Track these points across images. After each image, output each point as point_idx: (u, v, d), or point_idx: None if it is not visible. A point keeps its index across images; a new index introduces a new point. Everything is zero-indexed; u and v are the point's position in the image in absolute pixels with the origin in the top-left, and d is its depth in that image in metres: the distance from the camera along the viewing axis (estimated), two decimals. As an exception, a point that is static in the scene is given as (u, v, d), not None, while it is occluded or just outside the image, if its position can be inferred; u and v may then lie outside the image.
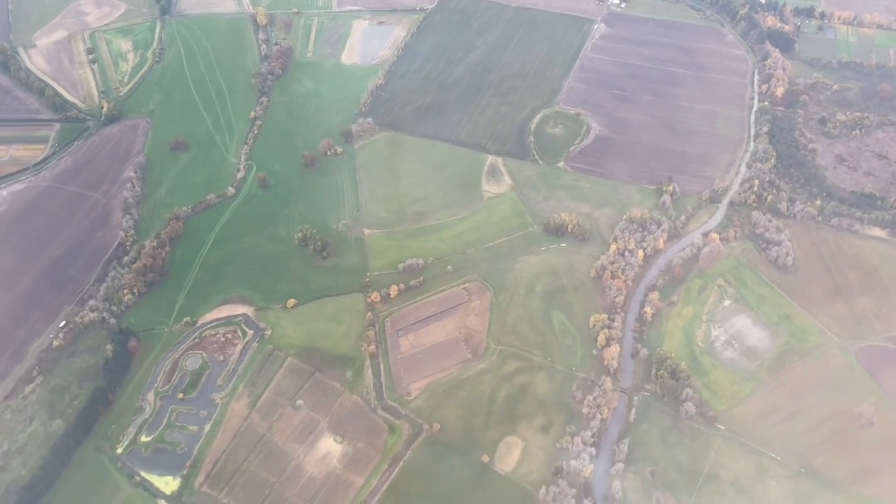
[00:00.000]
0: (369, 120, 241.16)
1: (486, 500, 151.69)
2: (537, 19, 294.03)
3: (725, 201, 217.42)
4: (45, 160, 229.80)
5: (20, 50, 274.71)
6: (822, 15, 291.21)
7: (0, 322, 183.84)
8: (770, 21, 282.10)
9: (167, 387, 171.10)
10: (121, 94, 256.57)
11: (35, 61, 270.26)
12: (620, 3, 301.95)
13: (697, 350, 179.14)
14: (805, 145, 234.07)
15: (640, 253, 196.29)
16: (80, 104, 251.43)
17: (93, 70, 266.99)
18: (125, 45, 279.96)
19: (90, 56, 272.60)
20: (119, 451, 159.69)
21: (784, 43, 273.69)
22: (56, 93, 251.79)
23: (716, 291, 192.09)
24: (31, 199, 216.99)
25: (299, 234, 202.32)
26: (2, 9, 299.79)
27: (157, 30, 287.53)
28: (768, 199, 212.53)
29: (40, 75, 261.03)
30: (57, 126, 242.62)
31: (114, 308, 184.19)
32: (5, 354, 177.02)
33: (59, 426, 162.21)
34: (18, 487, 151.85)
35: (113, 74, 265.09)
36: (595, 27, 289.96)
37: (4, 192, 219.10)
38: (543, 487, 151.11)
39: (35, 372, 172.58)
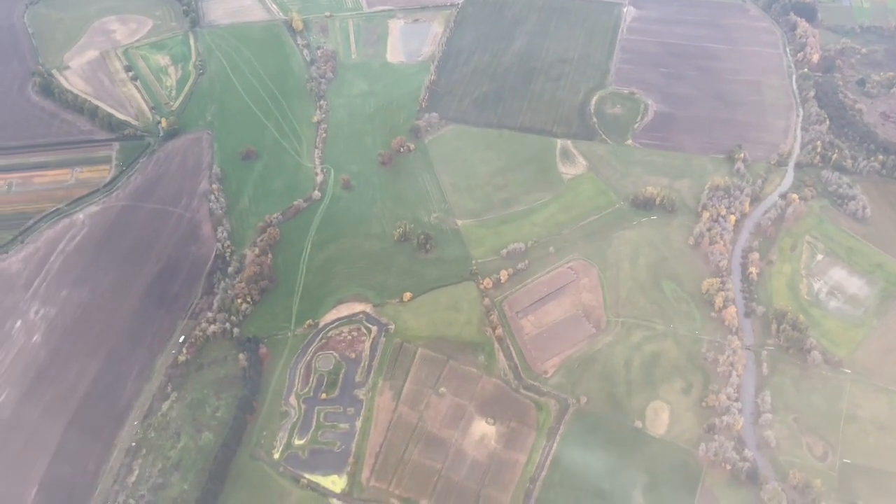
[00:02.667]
0: (434, 115, 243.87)
1: (649, 462, 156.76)
2: (567, 6, 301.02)
3: (791, 164, 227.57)
4: (114, 180, 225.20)
5: (54, 72, 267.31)
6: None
7: (118, 343, 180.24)
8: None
9: (307, 389, 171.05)
10: (173, 108, 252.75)
11: (73, 83, 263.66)
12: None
13: (805, 303, 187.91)
14: (851, 106, 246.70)
15: (732, 218, 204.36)
16: (133, 122, 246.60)
17: (136, 87, 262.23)
18: (163, 59, 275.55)
19: (130, 73, 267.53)
20: (276, 456, 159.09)
21: (808, 13, 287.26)
22: (108, 112, 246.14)
23: (807, 248, 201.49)
24: (112, 220, 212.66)
25: (399, 230, 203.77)
26: (21, 33, 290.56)
27: (192, 42, 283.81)
28: (833, 158, 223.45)
29: (85, 96, 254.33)
30: (116, 145, 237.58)
31: (232, 318, 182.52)
32: (132, 375, 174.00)
33: (209, 438, 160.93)
34: (186, 502, 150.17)
35: (159, 90, 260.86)
36: (625, 10, 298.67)
37: (81, 216, 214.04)
38: (703, 444, 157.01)
39: (168, 388, 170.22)
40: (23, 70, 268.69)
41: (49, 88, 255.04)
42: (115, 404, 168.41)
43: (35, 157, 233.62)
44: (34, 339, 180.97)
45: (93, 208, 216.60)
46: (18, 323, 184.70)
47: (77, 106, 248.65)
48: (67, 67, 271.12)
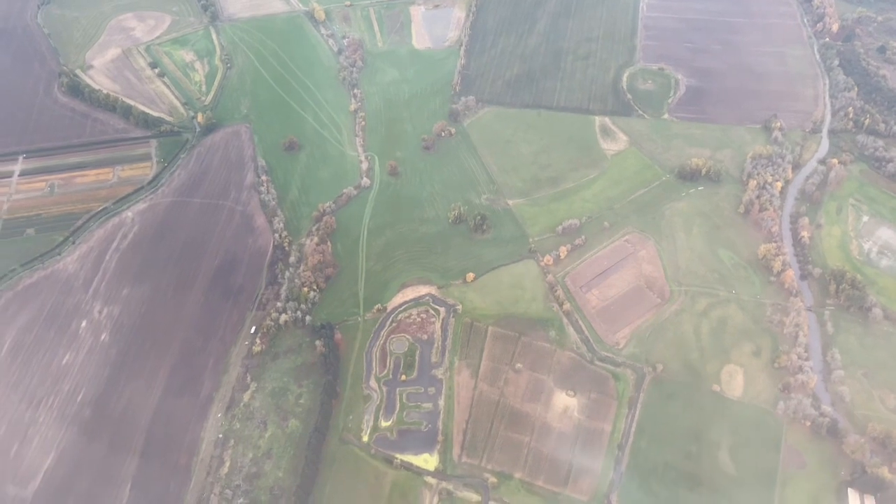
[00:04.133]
0: (471, 98, 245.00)
1: (730, 423, 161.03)
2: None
3: (825, 130, 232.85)
4: (157, 177, 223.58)
5: (79, 72, 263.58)
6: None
7: (189, 338, 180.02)
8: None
9: (385, 372, 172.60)
10: (205, 103, 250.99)
11: (100, 82, 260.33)
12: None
13: (858, 263, 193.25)
14: (875, 72, 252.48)
15: (778, 185, 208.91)
16: (167, 118, 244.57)
17: (165, 83, 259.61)
18: (187, 55, 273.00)
19: (156, 70, 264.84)
20: (365, 439, 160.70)
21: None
22: (141, 110, 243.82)
23: (852, 210, 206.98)
24: (162, 217, 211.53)
25: (453, 213, 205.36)
26: (37, 34, 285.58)
27: (214, 37, 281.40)
28: (866, 123, 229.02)
29: (115, 95, 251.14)
30: (154, 142, 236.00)
31: (302, 307, 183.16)
32: (208, 368, 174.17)
33: (296, 425, 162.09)
34: (283, 489, 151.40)
35: (188, 85, 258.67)
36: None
37: (130, 213, 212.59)
38: (780, 403, 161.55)
39: (248, 379, 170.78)
40: (45, 71, 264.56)
41: (77, 88, 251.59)
42: (195, 398, 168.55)
43: (73, 158, 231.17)
44: (102, 337, 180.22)
45: (140, 206, 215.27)
46: (84, 323, 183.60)
47: (108, 105, 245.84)
48: (91, 67, 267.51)
